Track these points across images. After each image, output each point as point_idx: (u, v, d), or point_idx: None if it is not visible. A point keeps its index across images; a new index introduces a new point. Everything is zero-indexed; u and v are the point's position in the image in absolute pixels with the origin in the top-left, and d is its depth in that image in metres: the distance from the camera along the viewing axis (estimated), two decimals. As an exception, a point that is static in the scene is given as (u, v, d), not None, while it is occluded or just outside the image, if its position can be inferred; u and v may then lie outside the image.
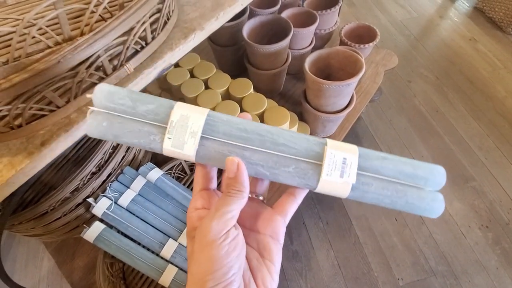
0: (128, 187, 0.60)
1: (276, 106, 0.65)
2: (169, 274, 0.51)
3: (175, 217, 0.58)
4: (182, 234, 0.56)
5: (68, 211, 0.55)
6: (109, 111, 0.21)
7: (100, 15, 0.30)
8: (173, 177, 0.69)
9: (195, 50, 0.44)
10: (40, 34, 0.26)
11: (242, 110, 0.64)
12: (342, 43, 0.76)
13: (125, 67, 0.34)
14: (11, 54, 0.25)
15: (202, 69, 0.70)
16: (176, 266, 0.53)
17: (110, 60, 0.33)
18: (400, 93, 1.17)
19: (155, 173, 0.62)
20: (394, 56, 0.91)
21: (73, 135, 0.31)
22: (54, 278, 0.81)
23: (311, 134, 0.73)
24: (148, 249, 0.55)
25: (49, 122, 0.31)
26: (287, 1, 0.83)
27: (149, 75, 0.36)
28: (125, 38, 0.32)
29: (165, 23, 0.38)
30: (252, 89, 0.66)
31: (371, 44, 0.73)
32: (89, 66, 0.30)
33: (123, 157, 0.62)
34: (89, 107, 0.21)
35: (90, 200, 0.55)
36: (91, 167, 0.54)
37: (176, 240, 0.55)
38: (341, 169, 0.21)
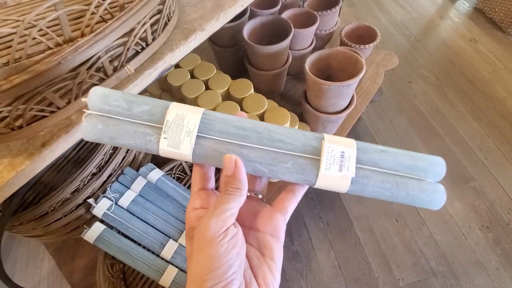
0: (129, 188, 0.60)
1: (277, 106, 0.65)
2: (169, 274, 0.51)
3: (175, 217, 0.58)
4: (183, 235, 0.56)
5: (69, 212, 0.56)
6: (104, 114, 0.21)
7: (100, 16, 0.30)
8: (173, 178, 0.69)
9: (195, 50, 0.44)
10: (41, 35, 0.26)
11: (242, 111, 0.64)
12: (342, 43, 0.76)
13: (125, 68, 0.34)
14: (12, 55, 0.25)
15: (203, 70, 0.70)
16: (177, 267, 0.53)
17: (110, 61, 0.33)
18: (401, 93, 1.17)
19: (156, 174, 0.62)
20: (394, 57, 0.91)
21: (74, 136, 0.31)
22: (55, 279, 0.81)
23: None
24: (148, 250, 0.55)
25: (49, 123, 0.31)
26: (288, 2, 0.83)
27: (150, 76, 0.36)
28: (125, 39, 0.32)
29: (166, 24, 0.38)
30: (252, 90, 0.66)
31: (371, 44, 0.73)
32: (90, 67, 0.30)
33: (124, 157, 0.62)
34: (84, 110, 0.21)
35: (91, 201, 0.55)
36: (91, 168, 0.54)
37: (176, 241, 0.55)
38: (339, 163, 0.20)
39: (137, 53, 0.35)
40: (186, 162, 0.70)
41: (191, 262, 0.19)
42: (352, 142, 0.21)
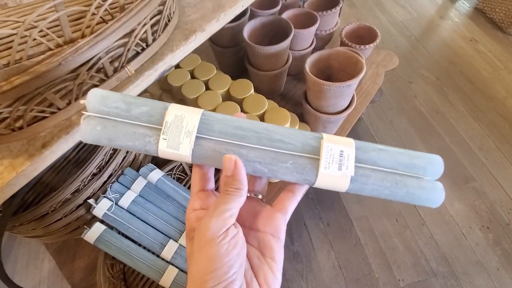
0: (129, 188, 0.60)
1: (277, 107, 0.65)
2: (169, 275, 0.51)
3: (175, 218, 0.58)
4: (183, 235, 0.56)
5: (69, 212, 0.56)
6: (103, 116, 0.21)
7: (101, 17, 0.30)
8: (173, 178, 0.69)
9: (195, 51, 0.44)
10: (41, 36, 0.26)
11: (242, 111, 0.64)
12: (342, 44, 0.76)
13: (126, 69, 0.34)
14: (12, 56, 0.25)
15: (203, 70, 0.70)
16: (177, 267, 0.53)
17: (111, 62, 0.33)
18: (401, 94, 1.17)
19: (156, 174, 0.62)
20: (394, 57, 0.91)
21: (74, 137, 0.32)
22: (55, 279, 0.81)
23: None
24: (148, 250, 0.55)
25: (50, 124, 0.31)
26: (288, 2, 0.83)
27: (150, 77, 0.36)
28: (126, 40, 0.32)
29: (166, 24, 0.38)
30: (252, 90, 0.66)
31: (371, 45, 0.73)
32: (90, 68, 0.30)
33: (124, 158, 0.62)
34: (83, 112, 0.21)
35: (91, 201, 0.55)
36: (91, 168, 0.54)
37: (176, 241, 0.55)
38: (338, 162, 0.20)
39: (137, 54, 0.35)
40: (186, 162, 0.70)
41: (192, 263, 0.19)
42: (351, 141, 0.21)
